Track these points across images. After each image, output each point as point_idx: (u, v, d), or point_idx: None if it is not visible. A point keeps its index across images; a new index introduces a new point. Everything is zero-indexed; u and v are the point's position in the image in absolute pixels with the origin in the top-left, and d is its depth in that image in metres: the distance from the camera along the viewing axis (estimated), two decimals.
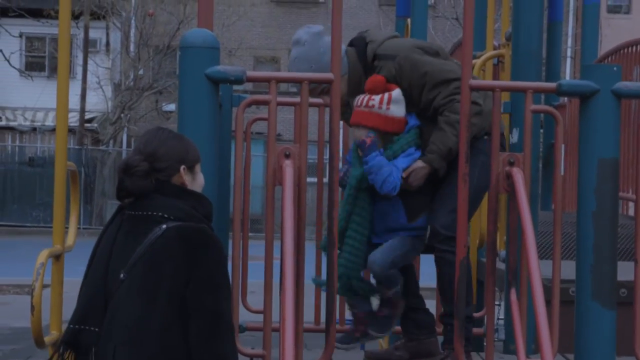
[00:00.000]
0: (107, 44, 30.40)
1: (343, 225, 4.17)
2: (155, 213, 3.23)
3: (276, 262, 3.82)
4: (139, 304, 3.17)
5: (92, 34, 28.23)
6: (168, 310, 3.15)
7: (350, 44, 4.34)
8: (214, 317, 3.16)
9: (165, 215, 3.23)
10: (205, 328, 3.14)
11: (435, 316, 4.51)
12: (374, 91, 4.16)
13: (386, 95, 4.15)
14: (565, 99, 7.69)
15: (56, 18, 3.99)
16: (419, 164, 4.16)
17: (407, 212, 4.21)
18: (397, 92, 4.17)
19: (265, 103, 3.89)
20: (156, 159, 3.27)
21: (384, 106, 4.14)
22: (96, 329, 3.25)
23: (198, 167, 3.38)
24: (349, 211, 4.18)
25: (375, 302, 4.25)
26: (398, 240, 4.23)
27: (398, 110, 4.17)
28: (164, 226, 3.20)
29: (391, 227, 4.22)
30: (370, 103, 4.16)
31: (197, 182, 3.36)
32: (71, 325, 3.31)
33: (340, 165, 4.34)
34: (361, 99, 4.19)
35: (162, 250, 3.17)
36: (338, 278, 4.14)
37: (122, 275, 3.23)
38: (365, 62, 4.27)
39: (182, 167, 3.30)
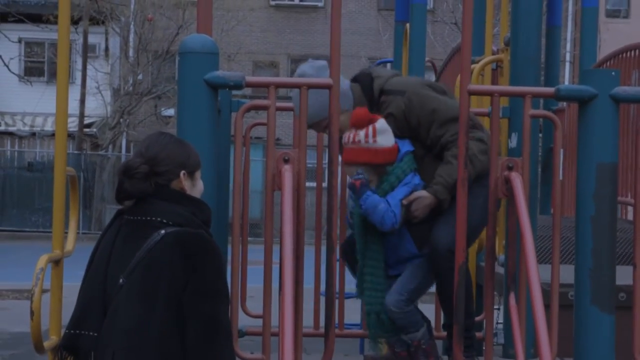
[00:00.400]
0: (106, 49, 30.41)
1: (360, 264, 4.19)
2: (154, 218, 3.23)
3: (275, 267, 3.82)
4: (137, 310, 3.17)
5: (91, 39, 28.25)
6: (166, 316, 3.15)
7: (354, 80, 4.30)
8: (211, 323, 3.15)
9: (164, 221, 3.23)
10: (202, 333, 3.14)
11: (433, 321, 4.50)
12: (358, 125, 4.11)
13: (370, 127, 4.08)
14: (564, 103, 7.70)
15: (55, 23, 4.00)
16: (423, 193, 4.14)
17: (415, 241, 4.20)
18: (381, 123, 4.11)
19: (265, 108, 3.90)
20: (157, 163, 3.27)
21: (370, 139, 4.08)
22: (94, 334, 3.25)
23: (198, 174, 3.37)
24: (362, 249, 4.18)
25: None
26: (408, 272, 4.21)
27: (385, 140, 4.11)
28: (163, 232, 3.20)
29: (403, 257, 4.22)
30: (357, 139, 4.10)
31: (196, 188, 3.36)
32: (68, 330, 3.31)
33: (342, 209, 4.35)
34: (347, 136, 4.14)
35: (161, 255, 3.17)
36: (367, 317, 4.18)
37: (121, 281, 3.23)
38: (371, 97, 4.24)
39: (183, 172, 3.30)
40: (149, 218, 3.24)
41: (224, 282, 3.23)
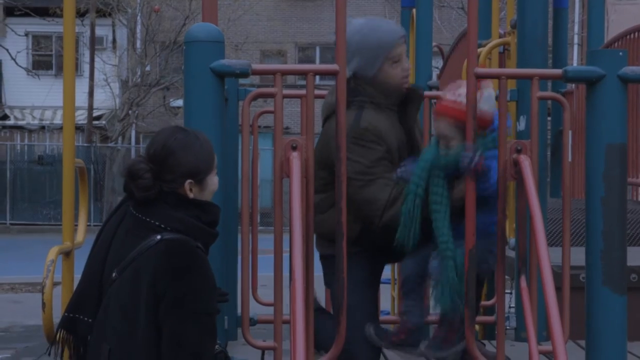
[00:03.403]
0: (114, 41, 30.45)
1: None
2: (153, 221, 3.21)
3: (286, 255, 3.82)
4: (124, 313, 3.17)
5: (99, 31, 28.28)
6: (149, 325, 3.12)
7: None
8: (174, 342, 3.10)
9: (162, 226, 3.20)
10: (165, 351, 3.11)
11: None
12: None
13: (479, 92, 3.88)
14: (573, 85, 7.68)
15: (62, 16, 4.00)
16: None
17: None
18: (490, 90, 3.92)
19: (271, 96, 3.89)
20: (162, 169, 3.23)
21: (460, 97, 3.89)
22: (90, 320, 3.26)
23: (210, 177, 3.31)
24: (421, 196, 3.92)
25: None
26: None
27: (487, 106, 3.90)
28: (159, 237, 3.17)
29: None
30: (459, 91, 3.92)
31: (206, 191, 3.30)
32: (66, 314, 3.32)
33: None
34: (453, 91, 3.97)
35: (148, 262, 3.15)
36: (444, 270, 3.90)
37: (114, 275, 3.22)
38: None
39: (189, 181, 3.25)
40: (148, 219, 3.22)
41: (204, 304, 3.14)
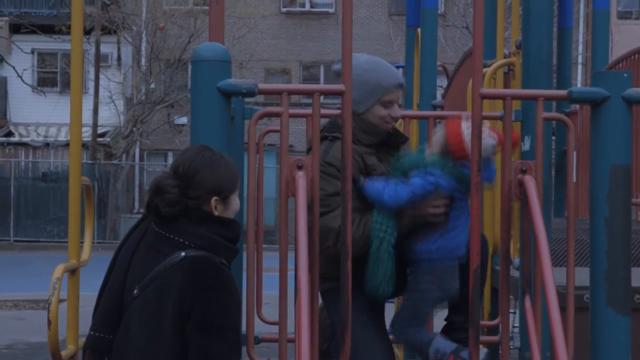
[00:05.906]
0: (119, 58, 30.52)
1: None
2: (176, 238, 3.23)
3: (291, 274, 3.83)
4: (148, 328, 3.18)
5: (104, 48, 28.37)
6: (174, 342, 3.14)
7: None
8: (201, 358, 3.13)
9: (186, 243, 3.22)
10: None
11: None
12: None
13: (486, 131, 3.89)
14: (577, 105, 7.69)
15: (68, 34, 4.01)
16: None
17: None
18: (490, 142, 3.91)
19: (277, 115, 3.90)
20: (188, 186, 3.26)
21: (468, 136, 3.88)
22: (112, 337, 3.28)
23: (234, 196, 3.35)
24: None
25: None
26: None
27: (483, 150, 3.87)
28: (183, 254, 3.19)
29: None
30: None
31: (230, 210, 3.34)
32: (92, 333, 3.33)
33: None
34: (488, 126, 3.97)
35: (173, 279, 3.16)
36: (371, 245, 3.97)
37: (135, 291, 3.23)
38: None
39: (214, 198, 3.28)
40: (172, 236, 3.24)
41: (230, 319, 3.17)
